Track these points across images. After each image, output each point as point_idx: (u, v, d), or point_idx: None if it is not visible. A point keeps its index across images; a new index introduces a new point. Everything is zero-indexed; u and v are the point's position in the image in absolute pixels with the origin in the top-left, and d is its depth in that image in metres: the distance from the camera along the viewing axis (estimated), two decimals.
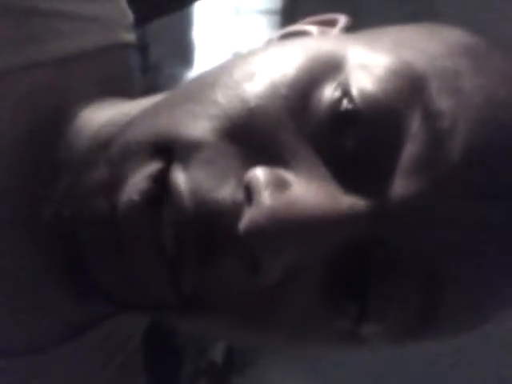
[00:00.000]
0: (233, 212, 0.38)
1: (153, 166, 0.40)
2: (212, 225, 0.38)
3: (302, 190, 0.38)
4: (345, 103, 0.39)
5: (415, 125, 0.38)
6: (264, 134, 0.39)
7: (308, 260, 0.38)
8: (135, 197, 0.39)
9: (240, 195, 0.38)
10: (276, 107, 0.39)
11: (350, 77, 0.39)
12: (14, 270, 0.45)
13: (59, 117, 0.46)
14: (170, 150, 0.40)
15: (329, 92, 0.39)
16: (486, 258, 0.39)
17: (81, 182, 0.43)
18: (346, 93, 0.39)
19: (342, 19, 0.48)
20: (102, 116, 0.46)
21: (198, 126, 0.40)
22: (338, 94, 0.39)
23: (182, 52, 1.38)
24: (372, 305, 0.39)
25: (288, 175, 0.38)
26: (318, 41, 0.45)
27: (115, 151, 0.42)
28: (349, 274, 0.39)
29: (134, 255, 0.39)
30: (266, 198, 0.37)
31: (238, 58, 0.44)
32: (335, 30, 0.47)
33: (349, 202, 0.38)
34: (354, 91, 0.39)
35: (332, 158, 0.39)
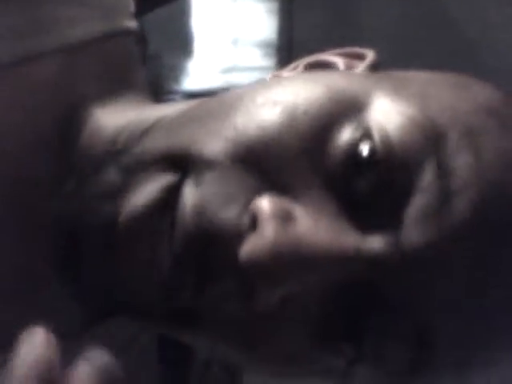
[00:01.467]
0: (235, 234, 0.37)
1: (166, 178, 0.40)
2: (211, 245, 0.38)
3: (308, 225, 0.37)
4: (364, 145, 0.39)
5: (427, 178, 0.38)
6: (277, 166, 0.39)
7: (305, 295, 0.38)
8: (142, 205, 0.39)
9: (245, 220, 0.38)
10: (293, 141, 0.39)
11: (373, 120, 0.39)
12: (14, 269, 0.45)
13: (70, 110, 0.46)
14: (184, 165, 0.40)
15: (348, 132, 0.39)
16: (484, 320, 0.39)
17: (91, 183, 0.43)
18: (366, 135, 0.39)
19: (371, 55, 0.47)
20: (118, 120, 0.46)
21: (215, 145, 0.40)
22: (358, 134, 0.39)
23: (181, 41, 1.38)
24: (368, 348, 0.39)
25: (295, 207, 0.38)
26: (343, 77, 0.44)
27: (130, 160, 0.42)
28: (346, 316, 0.39)
29: (130, 264, 0.39)
30: (270, 230, 0.36)
31: (264, 84, 0.44)
32: (362, 65, 0.47)
33: (354, 242, 0.38)
34: (376, 135, 0.39)
35: (343, 197, 0.39)
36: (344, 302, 0.39)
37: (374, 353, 0.39)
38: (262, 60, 1.44)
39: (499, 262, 0.39)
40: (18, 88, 0.45)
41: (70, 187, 0.44)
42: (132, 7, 0.53)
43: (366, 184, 0.39)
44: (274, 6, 1.48)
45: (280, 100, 0.41)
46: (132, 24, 0.52)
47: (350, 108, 0.40)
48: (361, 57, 0.48)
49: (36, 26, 0.46)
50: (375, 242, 0.38)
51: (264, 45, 1.45)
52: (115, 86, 0.49)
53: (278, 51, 1.45)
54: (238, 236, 0.37)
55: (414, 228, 0.38)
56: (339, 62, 0.47)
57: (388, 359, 0.39)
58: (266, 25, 1.46)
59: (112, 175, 0.42)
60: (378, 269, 0.38)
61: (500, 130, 0.40)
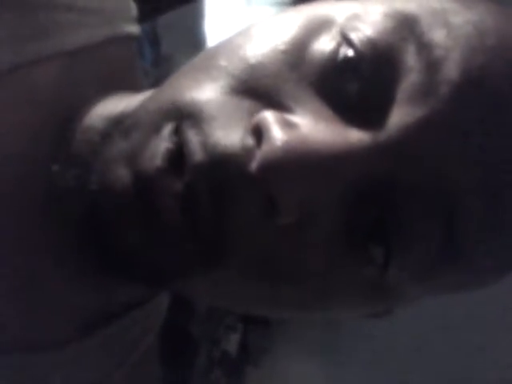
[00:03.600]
0: (243, 156, 0.38)
1: (165, 130, 0.40)
2: (223, 171, 0.38)
3: (310, 126, 0.38)
4: (344, 50, 0.40)
5: (411, 57, 0.39)
6: (266, 86, 0.40)
7: (324, 196, 0.38)
8: (158, 160, 0.39)
9: (249, 141, 0.38)
10: (276, 61, 0.41)
11: (346, 26, 0.41)
12: (26, 266, 0.45)
13: (70, 115, 0.46)
14: (180, 113, 0.41)
15: (325, 42, 0.41)
16: (503, 185, 0.40)
17: (99, 157, 0.43)
18: (345, 39, 0.40)
19: None
20: (115, 107, 0.47)
21: (203, 88, 0.41)
22: (335, 42, 0.41)
23: (194, 44, 1.38)
24: (395, 247, 0.40)
25: (293, 117, 0.39)
26: (311, 5, 0.46)
27: (128, 123, 0.43)
28: (368, 219, 0.39)
29: (162, 211, 0.39)
30: (278, 132, 0.37)
31: (240, 30, 0.46)
32: None
33: (356, 136, 0.38)
34: (353, 36, 0.40)
35: (335, 101, 0.40)
36: (363, 210, 0.39)
37: (403, 249, 0.39)
38: None
39: (500, 118, 0.39)
40: (19, 93, 0.45)
41: (79, 166, 0.44)
42: (133, 12, 0.54)
43: (354, 84, 0.40)
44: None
45: (256, 32, 0.43)
46: (133, 29, 0.53)
47: (322, 23, 0.42)
48: None
49: (37, 30, 0.46)
50: (377, 134, 0.38)
51: None
52: (115, 91, 0.49)
53: None
54: (247, 155, 0.38)
55: (410, 103, 0.39)
56: None
57: (418, 251, 0.39)
58: None
59: (117, 143, 0.43)
60: (386, 154, 0.38)
61: (461, 7, 0.42)
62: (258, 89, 0.40)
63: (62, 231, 0.45)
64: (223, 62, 0.42)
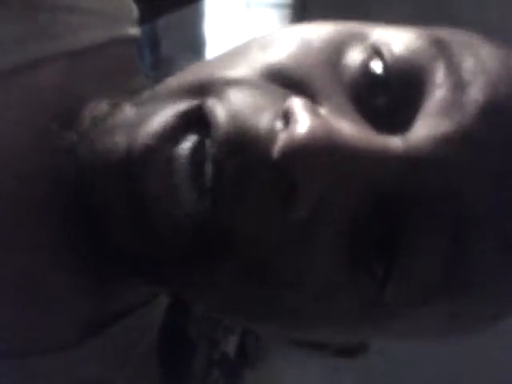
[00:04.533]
0: (271, 139, 0.37)
1: (185, 104, 0.39)
2: (249, 150, 0.37)
3: (340, 122, 0.38)
4: (374, 63, 0.41)
5: (440, 75, 0.40)
6: (301, 77, 0.40)
7: (343, 193, 0.38)
8: (156, 129, 0.38)
9: (278, 124, 0.38)
10: (313, 56, 0.41)
11: (378, 40, 0.42)
12: (26, 266, 0.45)
13: (72, 116, 0.46)
14: (205, 89, 0.40)
15: (358, 52, 0.41)
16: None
17: (102, 123, 0.42)
18: (376, 52, 0.41)
19: None
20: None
21: (237, 68, 0.41)
22: (366, 54, 0.41)
23: (194, 46, 1.38)
24: (397, 263, 0.39)
25: (323, 110, 0.39)
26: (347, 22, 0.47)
27: (144, 97, 0.42)
28: (374, 231, 0.39)
29: (154, 190, 0.37)
30: (306, 117, 0.37)
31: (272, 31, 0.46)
32: None
33: (382, 140, 0.39)
34: (384, 51, 0.41)
35: (363, 108, 0.40)
36: (375, 219, 0.39)
37: (403, 268, 0.39)
38: None
39: None
40: (20, 93, 0.45)
41: (81, 130, 0.42)
42: (135, 14, 0.54)
43: (381, 99, 0.40)
44: (287, 12, 1.48)
45: (293, 33, 0.43)
46: (134, 31, 0.53)
47: (356, 34, 0.43)
48: None
49: (39, 31, 0.46)
50: (400, 141, 0.39)
51: None
52: (117, 92, 0.49)
53: None
54: (275, 139, 0.37)
55: (436, 117, 0.39)
56: None
57: (420, 268, 0.39)
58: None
59: (125, 110, 0.41)
60: (408, 163, 0.38)
61: (491, 46, 0.43)
62: (292, 78, 0.40)
63: (63, 231, 0.45)
64: (259, 54, 0.42)
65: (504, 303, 0.44)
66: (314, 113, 0.38)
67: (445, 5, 1.44)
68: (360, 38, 0.42)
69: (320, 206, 0.37)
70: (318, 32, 0.43)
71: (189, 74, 0.42)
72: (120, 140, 0.39)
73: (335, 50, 0.42)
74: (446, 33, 0.43)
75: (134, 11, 0.54)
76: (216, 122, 0.38)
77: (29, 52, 0.46)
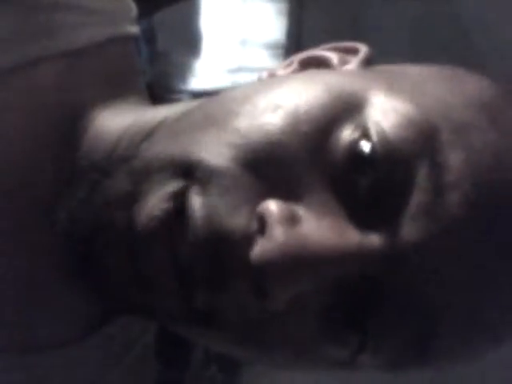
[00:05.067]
0: (245, 238, 0.39)
1: (173, 186, 0.41)
2: (224, 250, 0.39)
3: (312, 226, 0.39)
4: (363, 144, 0.40)
5: (422, 173, 0.40)
6: (281, 168, 0.41)
7: (313, 292, 0.40)
8: (156, 212, 0.40)
9: (253, 225, 0.39)
10: (296, 143, 0.41)
11: (370, 119, 0.41)
12: (26, 266, 0.45)
13: (73, 115, 0.46)
14: (190, 173, 0.41)
15: (348, 132, 0.41)
16: (482, 299, 0.41)
17: (101, 189, 0.44)
18: (365, 135, 0.41)
19: (363, 49, 0.50)
20: (120, 122, 0.47)
21: (220, 152, 0.41)
22: (357, 134, 0.41)
23: (190, 40, 1.38)
24: (371, 336, 0.41)
25: (299, 210, 0.40)
26: (340, 77, 0.46)
27: (138, 165, 0.43)
28: (350, 309, 0.41)
29: (150, 267, 0.40)
30: (279, 233, 0.38)
31: (262, 85, 0.46)
32: (355, 60, 0.48)
33: (357, 239, 0.40)
34: (374, 135, 0.40)
35: (344, 195, 0.41)
36: (348, 296, 0.40)
37: (378, 340, 0.41)
38: (270, 61, 1.44)
39: (494, 255, 0.40)
40: (20, 92, 0.45)
41: (80, 194, 0.44)
42: (134, 12, 0.54)
43: (366, 181, 0.40)
44: (284, 7, 1.48)
45: (281, 103, 0.42)
46: (134, 29, 0.53)
47: (348, 108, 0.42)
48: (354, 51, 0.49)
49: (38, 30, 0.46)
50: (376, 239, 0.39)
51: (272, 46, 1.45)
52: (117, 90, 0.49)
53: (286, 52, 1.45)
54: (248, 239, 0.39)
55: (411, 224, 0.39)
56: (333, 57, 0.49)
57: (392, 344, 0.41)
58: (274, 26, 1.46)
59: (121, 181, 0.43)
60: (380, 264, 0.39)
61: (490, 124, 0.41)
62: (272, 170, 0.41)
63: (63, 242, 0.45)
64: (244, 128, 0.41)
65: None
66: (287, 222, 0.39)
67: (445, 9, 1.44)
68: (353, 109, 0.42)
69: (294, 302, 0.40)
70: (310, 104, 0.42)
71: (176, 147, 0.43)
72: (120, 215, 0.42)
73: (324, 133, 0.41)
74: (439, 111, 0.41)
75: (134, 10, 0.54)
76: (193, 221, 0.40)
77: (28, 51, 0.46)
